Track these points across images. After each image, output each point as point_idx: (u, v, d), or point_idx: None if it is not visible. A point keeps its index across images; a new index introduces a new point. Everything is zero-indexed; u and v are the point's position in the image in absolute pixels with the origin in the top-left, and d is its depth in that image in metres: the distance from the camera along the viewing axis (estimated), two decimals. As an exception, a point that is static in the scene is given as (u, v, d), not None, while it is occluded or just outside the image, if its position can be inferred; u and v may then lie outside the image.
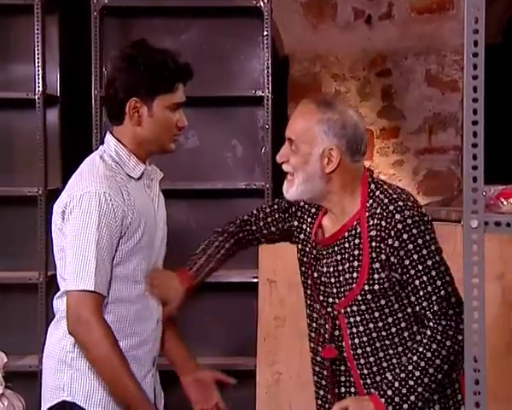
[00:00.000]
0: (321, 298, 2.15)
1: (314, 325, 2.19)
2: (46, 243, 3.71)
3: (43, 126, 3.81)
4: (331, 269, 2.12)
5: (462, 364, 2.05)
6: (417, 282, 2.02)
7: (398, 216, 2.03)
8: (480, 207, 1.41)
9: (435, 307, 2.00)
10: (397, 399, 1.98)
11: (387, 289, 2.05)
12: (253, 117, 3.95)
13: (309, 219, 2.22)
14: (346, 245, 2.10)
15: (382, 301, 2.05)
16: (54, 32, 3.97)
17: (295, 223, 2.26)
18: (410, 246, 2.01)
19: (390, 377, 2.02)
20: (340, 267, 2.10)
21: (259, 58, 3.89)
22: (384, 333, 2.07)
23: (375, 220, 2.05)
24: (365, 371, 2.08)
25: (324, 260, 2.14)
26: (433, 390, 2.01)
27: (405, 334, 2.07)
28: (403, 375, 2.00)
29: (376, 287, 2.04)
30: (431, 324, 2.01)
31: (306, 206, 2.24)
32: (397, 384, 1.99)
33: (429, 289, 2.01)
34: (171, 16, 3.94)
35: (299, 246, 2.23)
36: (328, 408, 2.17)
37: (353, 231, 2.09)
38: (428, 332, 2.01)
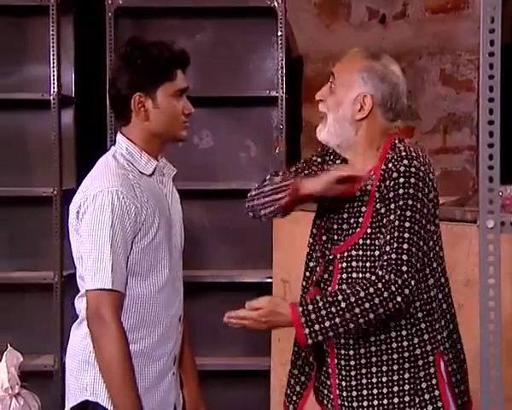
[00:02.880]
0: (323, 238, 2.16)
1: (307, 273, 2.22)
2: (61, 243, 3.73)
3: (58, 127, 3.83)
4: (336, 216, 2.14)
5: (438, 338, 2.06)
6: (390, 226, 2.01)
7: (405, 161, 2.05)
8: (496, 208, 1.40)
9: (392, 256, 1.97)
10: (313, 315, 1.94)
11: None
12: (267, 117, 3.95)
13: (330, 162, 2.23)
14: (358, 193, 2.10)
15: (377, 253, 2.03)
16: (69, 32, 3.99)
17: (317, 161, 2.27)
18: (401, 191, 2.02)
19: (318, 297, 1.98)
20: (346, 215, 2.11)
21: (273, 58, 3.89)
22: None
23: (387, 165, 2.07)
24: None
25: (333, 207, 2.16)
26: (349, 331, 1.96)
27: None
28: (330, 299, 1.96)
29: (377, 230, 2.04)
30: (379, 272, 1.97)
31: (332, 157, 2.24)
32: (320, 304, 1.95)
33: (395, 234, 1.98)
34: (186, 17, 3.95)
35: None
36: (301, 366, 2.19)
37: (368, 181, 2.09)
38: (373, 277, 1.97)
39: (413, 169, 2.03)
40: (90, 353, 2.17)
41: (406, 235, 1.99)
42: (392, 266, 1.97)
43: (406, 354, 2.06)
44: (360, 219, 2.08)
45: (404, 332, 2.07)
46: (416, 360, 2.06)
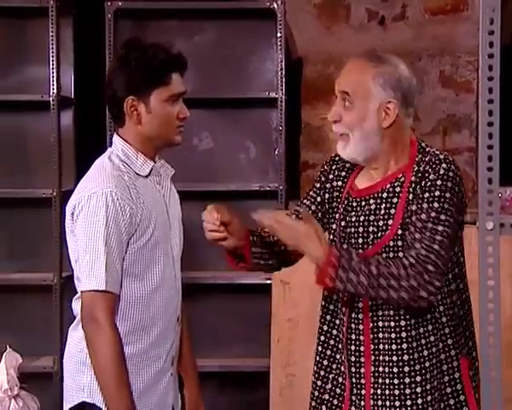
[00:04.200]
0: (344, 246, 2.10)
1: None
2: (61, 245, 3.73)
3: (58, 128, 3.83)
4: (361, 218, 2.09)
5: (461, 343, 2.06)
6: (421, 225, 1.99)
7: (444, 165, 2.02)
8: (495, 209, 1.40)
9: (422, 251, 1.96)
10: (343, 261, 1.93)
11: None
12: (267, 119, 3.95)
13: (343, 174, 2.19)
14: (384, 195, 2.07)
15: None
16: (68, 34, 3.99)
17: (327, 185, 2.20)
18: (437, 193, 2.00)
19: (354, 253, 1.98)
20: (372, 217, 2.07)
21: (273, 60, 3.89)
22: None
23: (422, 167, 2.04)
24: (380, 324, 2.05)
25: (353, 212, 2.11)
26: (368, 295, 1.97)
27: None
28: (363, 259, 1.96)
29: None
30: (412, 259, 1.96)
31: (340, 163, 2.19)
32: (354, 255, 1.95)
33: (427, 234, 1.98)
34: (185, 18, 3.95)
35: (331, 203, 2.18)
36: (329, 379, 2.14)
37: (396, 183, 2.07)
38: (405, 262, 1.97)
39: (451, 173, 2.01)
40: (87, 354, 2.16)
41: (438, 237, 1.98)
42: (421, 262, 1.96)
43: (434, 361, 2.05)
44: (390, 221, 2.04)
45: (432, 338, 2.06)
46: (441, 365, 2.05)
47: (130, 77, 2.19)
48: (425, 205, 2.00)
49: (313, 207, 2.21)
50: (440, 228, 1.99)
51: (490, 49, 1.38)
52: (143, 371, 2.21)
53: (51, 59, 3.79)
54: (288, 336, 3.54)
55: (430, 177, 2.01)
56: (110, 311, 2.12)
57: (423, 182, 2.02)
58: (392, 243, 2.03)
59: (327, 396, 2.15)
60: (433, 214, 1.99)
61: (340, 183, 2.18)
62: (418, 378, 2.04)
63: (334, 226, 2.15)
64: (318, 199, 2.22)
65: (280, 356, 3.53)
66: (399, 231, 2.03)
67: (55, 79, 3.81)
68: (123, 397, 2.11)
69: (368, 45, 4.90)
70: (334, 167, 2.21)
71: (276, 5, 3.78)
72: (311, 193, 2.24)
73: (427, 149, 2.09)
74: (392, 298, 1.96)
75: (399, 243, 2.03)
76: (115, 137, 2.27)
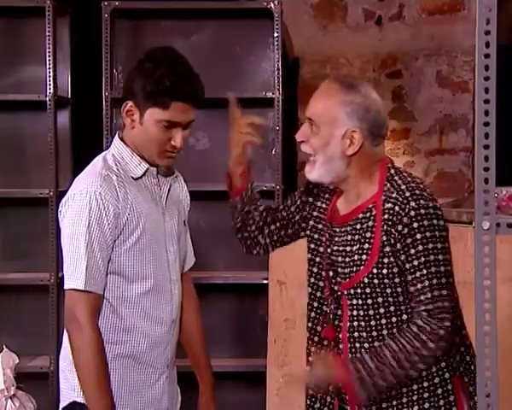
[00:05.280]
0: (330, 274, 2.13)
1: (315, 304, 2.17)
2: (57, 245, 3.72)
3: (54, 128, 3.83)
4: (341, 248, 2.11)
5: (454, 364, 2.06)
6: (418, 274, 2.00)
7: (412, 204, 2.01)
8: (491, 209, 1.40)
9: (430, 306, 1.98)
10: (364, 373, 1.98)
11: (395, 274, 2.02)
12: (264, 118, 3.95)
13: (326, 195, 2.20)
14: (358, 226, 2.08)
15: (388, 290, 2.03)
16: (65, 34, 3.99)
17: (310, 199, 2.24)
18: (418, 236, 2.00)
19: (367, 357, 2.00)
20: (348, 248, 2.09)
21: (270, 60, 3.89)
22: (384, 321, 2.04)
23: (390, 204, 2.03)
24: (358, 356, 2.05)
25: (336, 239, 2.13)
26: (401, 381, 2.01)
27: (405, 326, 2.03)
28: (379, 358, 1.98)
29: (385, 271, 2.02)
30: (420, 322, 1.99)
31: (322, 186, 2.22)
32: (370, 363, 1.98)
33: (426, 283, 1.99)
34: (182, 18, 3.94)
35: (311, 222, 2.21)
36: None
37: (368, 213, 2.07)
38: (415, 329, 1.99)
39: (423, 211, 2.01)
40: None
41: (434, 281, 1.99)
42: (433, 315, 1.99)
43: (425, 384, 2.05)
44: (364, 256, 2.05)
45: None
46: (436, 388, 2.06)
47: (136, 84, 2.18)
48: (412, 251, 2.00)
49: (292, 209, 2.28)
50: (433, 270, 2.00)
51: (486, 49, 1.38)
52: (133, 373, 2.20)
53: (48, 59, 3.79)
54: (285, 337, 3.54)
55: (404, 220, 2.01)
56: (90, 310, 2.12)
57: (399, 227, 2.01)
58: (366, 280, 2.05)
59: (318, 404, 2.18)
60: (422, 260, 2.00)
61: (324, 205, 2.21)
62: (404, 400, 2.05)
63: (321, 249, 2.17)
64: (298, 202, 2.27)
65: (276, 356, 3.53)
66: (374, 270, 2.04)
67: (51, 78, 3.80)
68: (102, 396, 2.10)
69: (365, 45, 4.90)
70: (315, 191, 2.24)
71: (272, 5, 3.78)
72: (294, 195, 2.30)
73: (395, 179, 2.08)
74: (420, 369, 2.01)
75: (375, 281, 2.04)
76: (115, 137, 2.29)
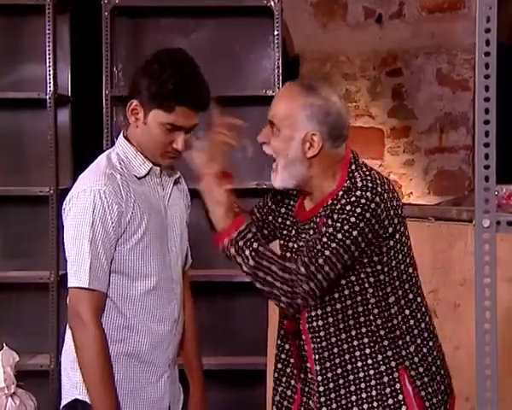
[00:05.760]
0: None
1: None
2: (57, 243, 3.72)
3: (55, 126, 3.83)
4: (301, 244, 2.13)
5: (402, 353, 2.08)
6: (316, 236, 2.02)
7: (358, 192, 2.02)
8: (491, 207, 1.40)
9: (310, 253, 1.99)
10: (241, 235, 2.04)
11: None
12: (264, 117, 3.93)
13: (294, 192, 2.22)
14: (318, 220, 2.10)
15: (343, 281, 2.05)
16: (65, 32, 3.99)
17: (279, 197, 2.27)
18: (343, 216, 2.00)
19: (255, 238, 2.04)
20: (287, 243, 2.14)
21: (270, 58, 3.89)
22: (339, 306, 2.06)
23: (342, 197, 2.05)
24: (316, 346, 2.08)
25: (303, 235, 2.15)
26: (253, 274, 2.03)
27: (358, 298, 2.06)
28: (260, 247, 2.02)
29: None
30: (294, 265, 1.99)
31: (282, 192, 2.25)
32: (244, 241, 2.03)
33: (324, 239, 2.00)
34: (182, 16, 3.94)
35: (280, 220, 2.24)
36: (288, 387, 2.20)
37: (326, 207, 2.09)
38: (289, 266, 2.00)
39: (363, 200, 2.01)
40: None
41: (327, 253, 1.99)
42: (305, 263, 1.99)
43: (372, 372, 2.07)
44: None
45: (367, 350, 2.08)
46: (382, 376, 2.07)
47: (142, 84, 2.18)
48: (329, 221, 2.02)
49: (265, 210, 2.31)
50: (333, 245, 1.99)
51: (486, 47, 1.38)
52: (135, 372, 2.21)
53: (48, 57, 3.79)
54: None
55: (342, 201, 2.02)
56: (94, 308, 2.12)
57: (336, 206, 2.03)
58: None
59: (278, 397, 2.24)
60: (330, 230, 2.00)
61: (291, 202, 2.23)
62: (352, 388, 2.07)
63: (290, 245, 2.19)
64: (265, 210, 2.31)
65: (277, 354, 3.53)
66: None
67: (51, 76, 3.80)
68: (107, 394, 2.11)
69: (365, 43, 4.90)
70: (272, 200, 2.28)
71: (272, 3, 3.78)
72: (265, 200, 2.34)
73: (355, 175, 2.08)
74: (269, 282, 2.00)
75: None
76: (120, 136, 2.29)
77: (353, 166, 2.10)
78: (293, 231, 2.19)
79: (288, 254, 2.18)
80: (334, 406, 2.08)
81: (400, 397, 2.07)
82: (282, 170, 2.11)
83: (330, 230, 2.00)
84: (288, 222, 2.22)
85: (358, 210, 2.00)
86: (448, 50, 4.88)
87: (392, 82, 4.94)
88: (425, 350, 2.13)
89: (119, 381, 2.18)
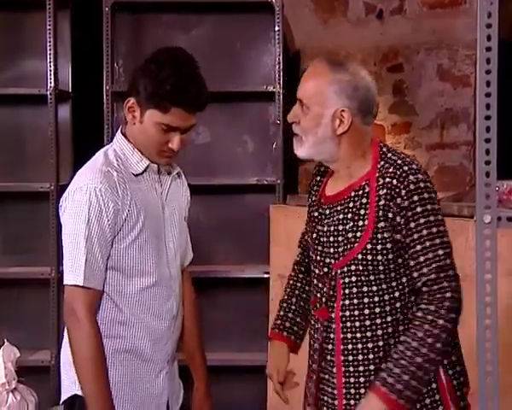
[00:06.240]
0: (318, 258, 2.13)
1: (312, 289, 2.17)
2: (58, 239, 3.72)
3: (55, 122, 3.82)
4: (332, 228, 2.10)
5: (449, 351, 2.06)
6: (419, 247, 2.00)
7: (411, 177, 2.02)
8: (492, 203, 1.40)
9: (432, 276, 1.98)
10: (390, 380, 1.95)
11: (389, 250, 2.02)
12: (265, 112, 3.95)
13: (318, 178, 2.22)
14: (351, 205, 2.08)
15: (380, 267, 2.02)
16: (66, 27, 3.98)
17: (312, 182, 2.24)
18: (419, 209, 2.00)
19: (384, 365, 1.98)
20: (341, 227, 2.08)
21: (271, 53, 3.89)
22: (376, 299, 2.04)
23: (387, 179, 2.03)
24: (348, 336, 2.06)
25: (325, 220, 2.13)
26: (426, 370, 1.97)
27: (397, 305, 2.04)
28: (395, 356, 1.97)
29: (379, 247, 2.02)
30: (423, 305, 1.98)
31: (317, 167, 2.23)
32: (396, 370, 1.95)
33: (430, 256, 1.98)
34: (183, 12, 3.94)
35: (308, 209, 2.22)
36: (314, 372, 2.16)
37: (360, 191, 2.07)
38: (420, 314, 1.98)
39: (422, 184, 2.02)
40: None
41: (440, 252, 1.99)
42: (435, 287, 1.98)
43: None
44: (358, 234, 2.04)
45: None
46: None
47: (138, 82, 2.18)
48: (412, 224, 2.00)
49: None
50: (438, 241, 1.99)
51: (488, 43, 1.38)
52: (133, 368, 2.21)
53: (49, 52, 3.79)
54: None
55: (402, 193, 2.01)
56: (89, 306, 2.12)
57: (398, 200, 2.01)
58: (360, 257, 2.04)
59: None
60: (424, 232, 2.00)
61: (316, 187, 2.22)
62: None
63: (314, 236, 2.16)
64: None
65: (277, 350, 3.53)
66: (369, 246, 2.03)
67: (52, 72, 3.80)
68: (100, 391, 2.11)
69: (366, 39, 4.90)
70: (314, 175, 2.25)
71: (273, -1, 3.77)
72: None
73: (389, 156, 2.08)
74: (440, 349, 1.97)
75: (369, 258, 2.03)
76: (117, 133, 2.29)
77: (384, 149, 2.11)
78: (315, 218, 2.16)
79: (314, 236, 2.13)
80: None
81: (434, 386, 2.05)
82: (311, 147, 2.08)
83: (424, 232, 1.98)
84: (311, 210, 2.20)
85: (426, 196, 2.01)
86: (449, 46, 4.87)
87: (393, 78, 4.94)
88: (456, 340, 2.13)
89: (118, 377, 2.18)
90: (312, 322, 2.17)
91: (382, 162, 2.07)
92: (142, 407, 2.22)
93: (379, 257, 2.02)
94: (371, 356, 2.05)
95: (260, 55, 3.95)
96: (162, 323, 2.24)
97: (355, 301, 2.05)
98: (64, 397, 2.24)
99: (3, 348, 3.16)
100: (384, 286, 2.04)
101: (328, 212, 2.13)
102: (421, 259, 1.99)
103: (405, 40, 4.88)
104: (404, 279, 2.04)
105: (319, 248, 2.13)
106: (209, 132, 3.98)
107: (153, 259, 2.21)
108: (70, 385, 2.21)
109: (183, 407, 2.39)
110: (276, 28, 3.79)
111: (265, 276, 3.70)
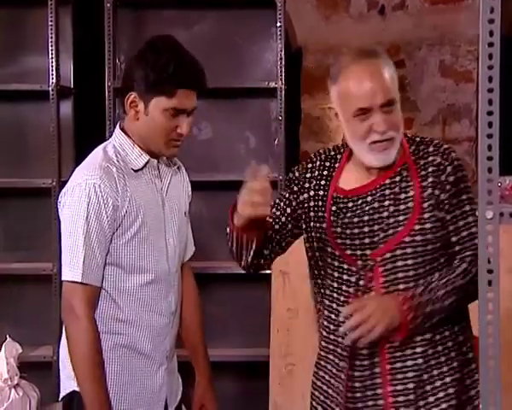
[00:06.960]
0: (348, 252, 2.06)
1: (335, 284, 2.08)
2: (59, 235, 3.71)
3: (57, 118, 3.82)
4: (365, 218, 2.04)
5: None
6: (461, 222, 2.02)
7: (453, 154, 2.05)
8: (495, 198, 1.40)
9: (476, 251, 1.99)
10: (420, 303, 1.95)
11: (439, 228, 2.01)
12: (267, 109, 3.95)
13: (325, 173, 2.15)
14: (387, 192, 2.05)
15: (429, 247, 2.01)
16: (67, 23, 3.98)
17: (308, 175, 2.17)
18: (462, 185, 2.04)
19: (417, 291, 1.98)
20: (377, 215, 2.03)
21: (272, 49, 3.88)
22: (422, 282, 2.01)
23: (430, 158, 2.05)
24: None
25: (349, 213, 2.07)
26: (448, 307, 1.98)
27: None
28: (425, 285, 1.98)
29: (428, 225, 2.00)
30: (465, 264, 2.00)
31: (318, 162, 2.18)
32: (426, 293, 1.96)
33: (473, 230, 2.00)
34: (185, 8, 3.94)
35: (312, 203, 2.13)
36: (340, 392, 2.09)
37: (397, 177, 2.05)
38: (464, 266, 2.00)
39: (461, 162, 2.07)
40: None
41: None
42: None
43: (447, 333, 2.06)
44: (401, 217, 2.01)
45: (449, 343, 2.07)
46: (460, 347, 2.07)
47: (139, 74, 2.17)
48: (454, 200, 2.03)
49: (283, 219, 2.17)
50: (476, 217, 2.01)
51: (490, 38, 1.37)
52: (132, 363, 2.21)
53: (50, 48, 3.79)
54: (288, 326, 3.54)
55: (448, 170, 2.03)
56: (87, 302, 2.12)
57: (442, 177, 2.02)
58: (408, 239, 2.01)
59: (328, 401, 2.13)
60: (468, 208, 2.04)
61: (323, 181, 2.14)
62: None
63: (324, 225, 2.09)
64: (288, 210, 2.17)
65: (279, 346, 3.54)
66: (417, 227, 2.00)
67: (54, 68, 3.80)
68: (97, 387, 2.11)
69: (367, 35, 4.89)
70: (310, 168, 2.18)
71: (275, -6, 3.77)
72: (281, 204, 2.19)
73: (417, 139, 2.10)
74: (469, 290, 1.97)
75: (418, 238, 2.01)
76: (116, 128, 2.28)
77: (408, 135, 2.11)
78: (333, 212, 2.08)
79: (339, 230, 2.06)
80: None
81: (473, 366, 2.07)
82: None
83: (467, 207, 2.02)
84: (319, 203, 2.12)
85: (465, 173, 2.06)
86: (451, 42, 4.86)
87: (395, 74, 4.93)
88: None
89: (117, 372, 2.18)
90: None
91: (414, 147, 2.07)
92: (140, 403, 2.22)
93: (428, 236, 2.01)
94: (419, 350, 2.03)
95: (262, 51, 3.95)
96: (161, 319, 2.24)
97: (401, 286, 2.01)
98: (63, 394, 2.25)
99: (5, 343, 3.16)
100: (428, 268, 2.02)
101: (350, 204, 2.08)
102: (464, 233, 2.02)
103: (407, 36, 4.87)
104: (442, 259, 2.04)
105: (347, 241, 2.06)
106: (211, 128, 3.98)
107: (152, 255, 2.21)
108: (68, 381, 2.22)
109: (182, 402, 2.39)
110: (278, 24, 3.78)
111: (267, 272, 3.69)
